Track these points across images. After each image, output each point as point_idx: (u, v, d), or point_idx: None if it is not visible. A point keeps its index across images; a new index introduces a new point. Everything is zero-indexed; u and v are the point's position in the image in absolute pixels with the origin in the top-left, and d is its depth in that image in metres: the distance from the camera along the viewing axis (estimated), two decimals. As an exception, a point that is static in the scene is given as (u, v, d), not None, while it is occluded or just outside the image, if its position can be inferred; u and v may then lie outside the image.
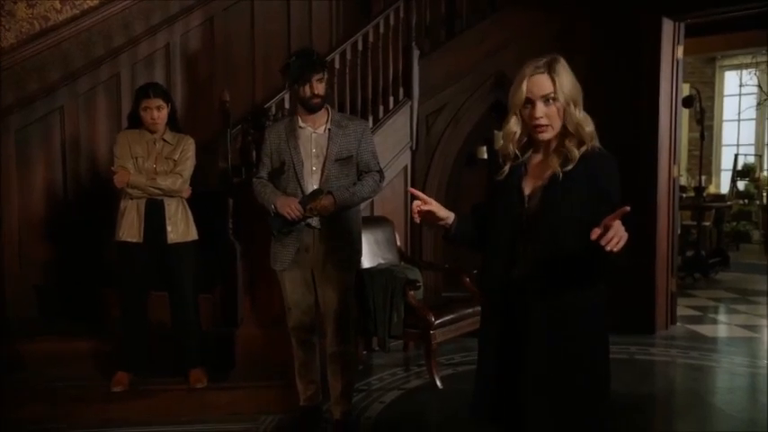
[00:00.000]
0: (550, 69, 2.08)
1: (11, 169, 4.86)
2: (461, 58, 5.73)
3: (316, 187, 3.38)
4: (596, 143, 2.12)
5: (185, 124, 5.45)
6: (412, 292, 4.47)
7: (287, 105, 4.69)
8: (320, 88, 3.38)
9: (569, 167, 2.06)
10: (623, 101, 5.41)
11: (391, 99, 5.50)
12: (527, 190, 2.15)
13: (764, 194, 10.86)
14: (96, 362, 4.18)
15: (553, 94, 2.06)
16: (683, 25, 5.70)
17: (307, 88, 3.35)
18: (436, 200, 2.27)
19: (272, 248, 3.54)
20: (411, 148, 5.63)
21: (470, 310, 4.72)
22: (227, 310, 4.44)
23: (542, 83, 2.07)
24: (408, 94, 5.57)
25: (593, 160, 2.08)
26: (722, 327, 6.15)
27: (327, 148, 3.42)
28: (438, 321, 4.45)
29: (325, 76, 3.43)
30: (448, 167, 5.76)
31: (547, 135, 2.10)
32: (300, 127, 3.45)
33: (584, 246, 1.86)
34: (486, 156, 5.88)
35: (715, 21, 6.89)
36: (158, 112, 3.90)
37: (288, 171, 3.40)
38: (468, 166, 5.96)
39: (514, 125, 2.14)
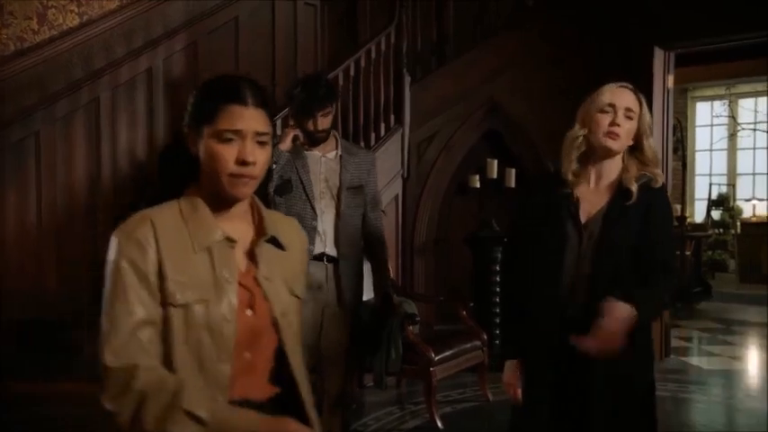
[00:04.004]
0: (635, 92, 2.06)
1: (-18, 198, 4.57)
2: (453, 84, 5.64)
3: (324, 212, 3.20)
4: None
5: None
6: (410, 327, 4.27)
7: (278, 132, 4.49)
8: (325, 123, 3.16)
9: (641, 182, 2.01)
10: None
11: (382, 126, 5.35)
12: (583, 218, 2.02)
13: (738, 224, 10.97)
14: (85, 401, 3.87)
15: (634, 113, 2.03)
16: (673, 54, 5.69)
17: (310, 123, 3.15)
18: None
19: None
20: (402, 176, 5.48)
21: (469, 345, 4.57)
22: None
23: (628, 97, 2.04)
24: (400, 121, 5.44)
25: (654, 194, 2.01)
26: (715, 359, 6.05)
27: (340, 176, 3.23)
28: (438, 357, 4.26)
29: (333, 110, 3.22)
30: (440, 196, 5.63)
31: (616, 146, 2.02)
32: (306, 149, 3.25)
33: (639, 275, 1.94)
34: (478, 185, 5.72)
35: (689, 53, 6.94)
36: None
37: (296, 190, 3.18)
38: (459, 195, 5.81)
39: (579, 130, 2.06)
